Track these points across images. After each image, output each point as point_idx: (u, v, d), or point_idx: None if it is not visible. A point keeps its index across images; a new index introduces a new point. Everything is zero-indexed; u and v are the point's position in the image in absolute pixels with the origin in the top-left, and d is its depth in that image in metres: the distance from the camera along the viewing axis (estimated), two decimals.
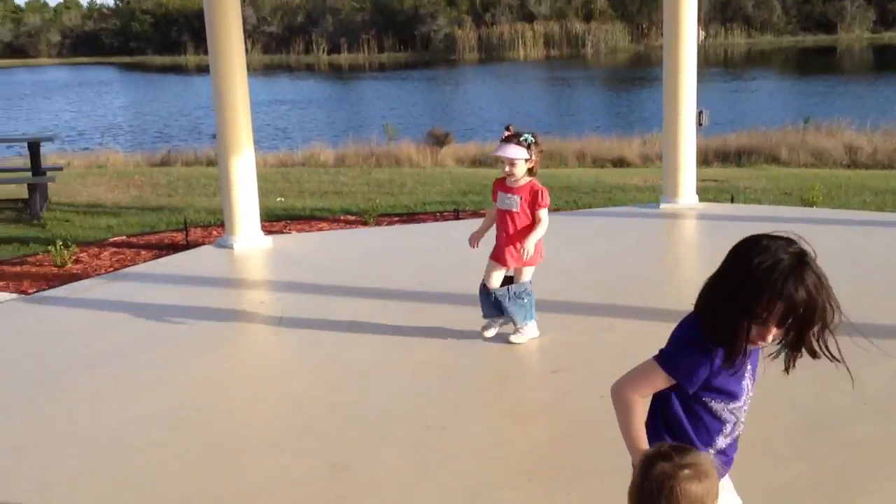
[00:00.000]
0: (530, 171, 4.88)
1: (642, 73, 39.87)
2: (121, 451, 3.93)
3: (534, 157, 4.84)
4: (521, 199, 4.86)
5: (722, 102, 25.12)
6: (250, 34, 56.69)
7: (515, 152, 4.77)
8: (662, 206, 8.84)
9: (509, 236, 4.91)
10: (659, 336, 5.14)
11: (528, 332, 5.08)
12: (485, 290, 5.03)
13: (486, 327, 5.10)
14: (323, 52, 59.99)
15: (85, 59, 65.28)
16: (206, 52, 8.14)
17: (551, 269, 6.73)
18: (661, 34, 9.33)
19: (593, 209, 9.48)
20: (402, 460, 3.77)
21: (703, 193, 9.57)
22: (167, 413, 4.34)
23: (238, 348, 5.47)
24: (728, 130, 18.42)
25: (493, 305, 5.02)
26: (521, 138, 4.79)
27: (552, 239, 7.90)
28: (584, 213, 9.12)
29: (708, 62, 41.97)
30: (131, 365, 4.99)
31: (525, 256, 4.87)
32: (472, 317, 5.67)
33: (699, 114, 9.02)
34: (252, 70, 7.90)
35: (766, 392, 2.77)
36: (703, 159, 16.10)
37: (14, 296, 6.65)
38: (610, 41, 57.61)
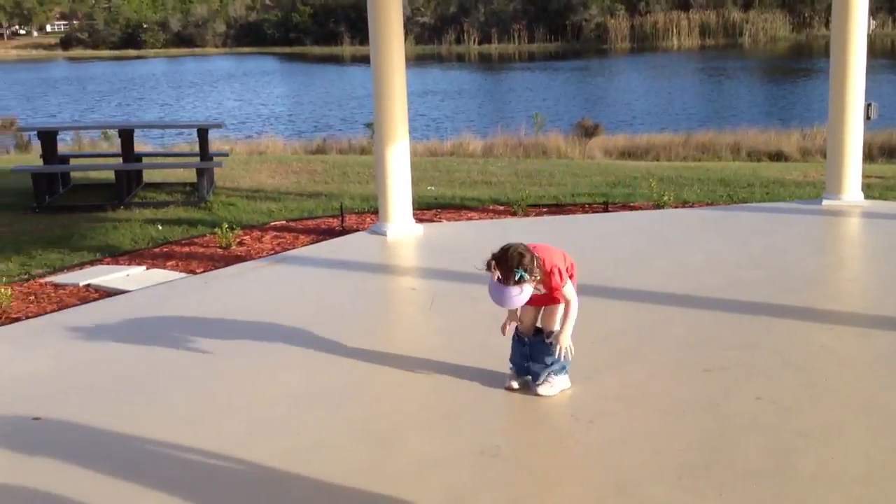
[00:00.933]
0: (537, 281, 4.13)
1: (803, 63, 38.13)
2: (278, 428, 4.14)
3: (534, 282, 4.08)
4: (538, 289, 4.21)
5: (890, 95, 23.72)
6: (405, 24, 57.70)
7: (516, 300, 4.07)
8: (825, 202, 8.47)
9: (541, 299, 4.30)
10: (818, 337, 5.01)
11: (560, 384, 4.38)
12: (518, 335, 4.45)
13: (511, 378, 4.47)
14: (474, 42, 60.36)
15: (248, 49, 68.15)
16: (361, 43, 8.43)
17: (706, 265, 6.60)
18: (825, 23, 8.93)
19: (751, 204, 9.18)
20: (551, 448, 3.81)
21: (869, 191, 9.11)
22: (325, 392, 4.53)
23: (391, 332, 5.64)
24: (895, 125, 17.39)
25: (524, 355, 4.41)
26: (515, 278, 4.00)
27: (708, 233, 7.78)
28: (741, 208, 8.84)
29: (874, 53, 39.66)
30: (293, 343, 5.22)
31: (562, 354, 4.24)
32: (620, 309, 5.63)
33: (867, 106, 8.58)
34: (406, 60, 8.07)
35: None
36: (868, 155, 15.27)
37: (183, 275, 7.07)
38: (769, 30, 55.33)
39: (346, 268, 6.96)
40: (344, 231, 8.43)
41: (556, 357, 4.25)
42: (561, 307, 4.27)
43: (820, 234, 7.70)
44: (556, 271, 4.14)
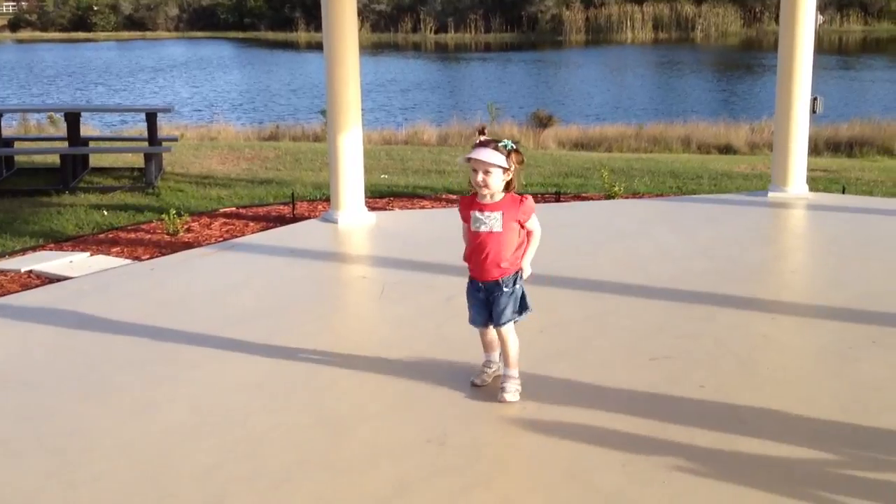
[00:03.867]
0: (507, 186, 3.98)
1: (753, 58, 38.68)
2: (227, 417, 4.10)
3: (513, 168, 3.93)
4: (501, 214, 3.96)
5: (835, 91, 24.19)
6: (360, 12, 57.29)
7: (491, 156, 3.86)
8: (771, 194, 8.61)
9: (494, 258, 4.03)
10: (760, 327, 5.09)
11: (514, 390, 4.19)
12: (473, 282, 4.17)
13: (479, 375, 4.35)
14: (430, 31, 60.18)
15: (201, 34, 67.16)
16: (317, 29, 8.32)
17: (655, 255, 6.67)
18: (775, 18, 9.05)
19: (699, 195, 9.30)
20: (500, 434, 3.82)
21: (813, 183, 9.28)
22: (275, 380, 4.49)
23: (341, 320, 5.62)
24: (840, 120, 17.75)
25: (482, 302, 4.16)
26: (500, 144, 3.91)
27: (658, 224, 7.86)
28: (690, 199, 8.96)
29: (822, 49, 40.36)
30: (241, 331, 5.17)
31: (523, 276, 4.13)
32: (570, 298, 5.67)
33: (813, 100, 8.73)
34: (360, 48, 8.01)
35: None
36: (814, 149, 15.55)
37: (128, 262, 6.96)
38: (721, 25, 56.00)
39: (297, 255, 6.91)
40: (295, 219, 8.37)
41: (518, 294, 4.11)
42: (513, 248, 4.04)
43: (765, 225, 7.83)
44: (529, 200, 4.03)
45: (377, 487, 3.39)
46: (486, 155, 3.86)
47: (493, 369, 4.37)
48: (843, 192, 9.23)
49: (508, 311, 4.10)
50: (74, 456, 3.70)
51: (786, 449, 3.66)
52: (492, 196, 3.96)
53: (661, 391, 4.25)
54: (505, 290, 4.06)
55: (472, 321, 4.25)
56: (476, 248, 4.04)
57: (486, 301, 4.12)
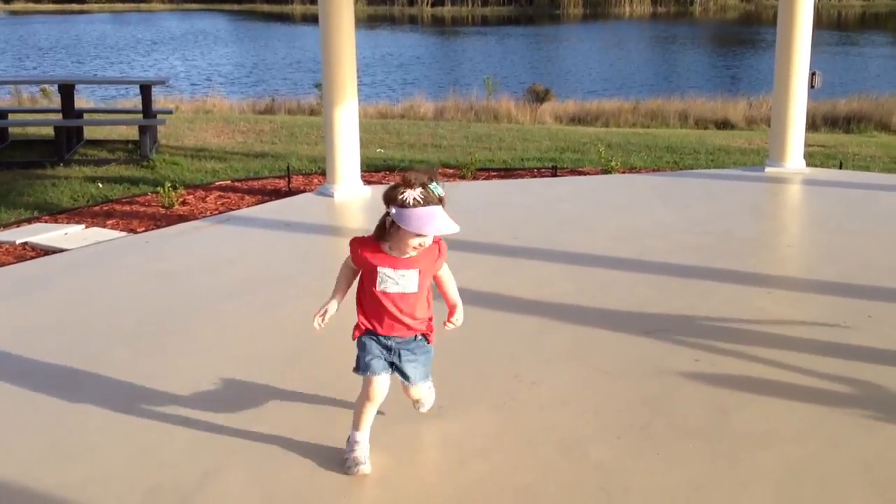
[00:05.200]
0: None
1: (752, 32, 38.49)
2: (225, 390, 4.10)
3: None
4: (418, 273, 3.16)
5: (833, 66, 24.15)
6: None
7: (452, 225, 3.02)
8: (768, 169, 8.60)
9: (405, 318, 3.22)
10: (757, 301, 5.09)
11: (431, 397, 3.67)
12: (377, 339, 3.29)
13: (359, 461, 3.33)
14: (426, 4, 59.75)
15: (195, 6, 66.64)
16: (311, 2, 8.23)
17: (651, 230, 6.66)
18: None
19: (696, 170, 9.28)
20: (491, 412, 3.82)
21: (811, 159, 9.26)
22: (272, 354, 4.49)
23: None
24: (838, 95, 17.71)
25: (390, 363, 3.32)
26: (432, 189, 3.00)
27: (654, 199, 7.85)
28: (687, 174, 8.94)
29: (820, 24, 40.17)
30: (236, 305, 5.16)
31: (455, 324, 3.38)
32: (568, 273, 5.66)
33: (812, 75, 8.70)
34: (356, 21, 7.95)
35: None
36: (811, 124, 15.52)
37: (123, 234, 6.94)
38: None
39: (292, 229, 6.89)
40: (290, 192, 8.34)
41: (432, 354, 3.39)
42: (426, 303, 3.28)
43: (762, 200, 7.82)
44: (445, 246, 3.27)
45: (377, 465, 3.40)
46: (452, 226, 3.00)
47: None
48: (840, 168, 9.22)
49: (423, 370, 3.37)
50: (71, 428, 3.70)
51: (781, 422, 3.67)
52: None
53: (656, 364, 4.25)
54: (420, 348, 3.31)
55: (371, 368, 3.27)
56: (381, 307, 3.19)
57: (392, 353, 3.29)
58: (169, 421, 3.75)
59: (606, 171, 9.25)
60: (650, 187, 8.23)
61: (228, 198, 8.19)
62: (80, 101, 13.92)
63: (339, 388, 4.03)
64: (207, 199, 8.17)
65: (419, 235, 3.02)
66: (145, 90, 10.62)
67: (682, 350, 4.41)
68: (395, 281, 3.15)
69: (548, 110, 17.57)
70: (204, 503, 3.13)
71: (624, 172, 9.23)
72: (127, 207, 7.84)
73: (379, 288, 3.16)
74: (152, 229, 7.05)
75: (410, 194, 2.94)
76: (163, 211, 7.69)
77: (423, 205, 2.96)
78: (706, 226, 6.78)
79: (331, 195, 7.84)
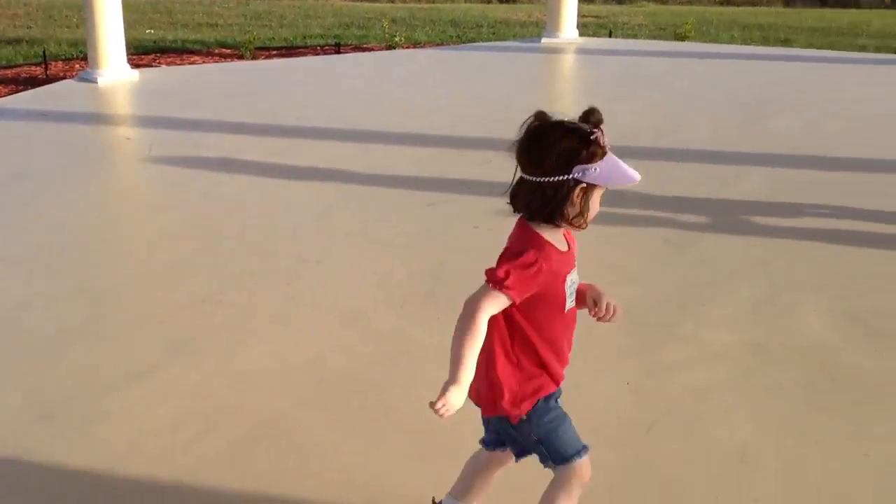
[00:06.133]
0: None
1: None
2: None
3: None
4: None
5: None
6: None
7: None
8: (544, 40, 8.79)
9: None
10: None
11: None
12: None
13: None
14: None
15: None
16: None
17: (436, 103, 6.67)
18: None
19: (478, 44, 9.35)
20: (276, 291, 3.76)
21: (584, 29, 9.54)
22: (34, 252, 4.18)
23: (105, 185, 5.27)
24: None
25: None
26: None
27: (437, 73, 7.84)
28: (469, 48, 8.99)
29: None
30: None
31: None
32: (353, 151, 5.60)
33: None
34: None
35: None
36: None
37: None
38: None
39: (54, 119, 6.37)
40: (49, 80, 7.68)
41: None
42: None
43: (537, 70, 8.01)
44: None
45: (149, 349, 3.27)
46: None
47: None
48: (610, 36, 9.57)
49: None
50: None
51: None
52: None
53: (438, 234, 4.31)
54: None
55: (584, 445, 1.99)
56: (563, 339, 1.98)
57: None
58: None
59: (391, 47, 9.15)
60: (434, 62, 8.22)
61: None
62: None
63: (108, 278, 3.83)
64: None
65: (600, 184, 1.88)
66: None
67: (461, 219, 4.50)
68: (572, 285, 1.96)
69: None
70: None
71: (408, 48, 9.15)
72: None
73: (568, 305, 1.95)
74: None
75: (598, 134, 1.89)
76: None
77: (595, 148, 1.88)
78: (485, 97, 6.87)
79: (94, 80, 7.28)
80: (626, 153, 5.63)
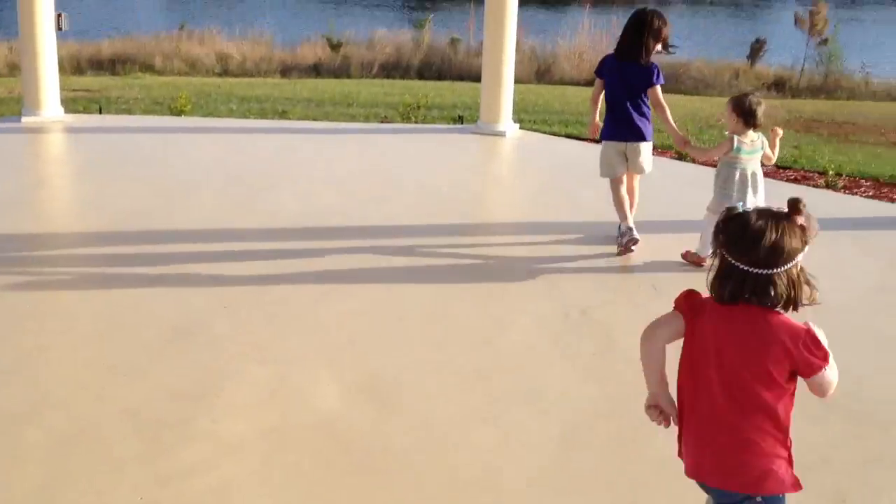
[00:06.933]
0: None
1: None
2: None
3: None
4: None
5: (92, 6, 23.72)
6: None
7: None
8: (24, 119, 8.05)
9: None
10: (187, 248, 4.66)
11: None
12: None
13: None
14: None
15: None
16: None
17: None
18: None
19: None
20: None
21: (73, 105, 8.98)
22: None
23: None
24: (101, 36, 17.53)
25: None
26: None
27: None
28: None
29: None
30: None
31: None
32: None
33: (58, 17, 8.30)
34: None
35: None
36: (76, 68, 15.19)
37: None
38: None
39: None
40: None
41: None
42: None
43: (19, 153, 7.32)
44: None
45: None
46: None
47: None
48: (101, 113, 9.10)
49: None
50: None
51: None
52: None
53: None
54: None
55: None
56: None
57: None
58: None
59: None
60: None
61: None
62: None
63: None
64: None
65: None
66: None
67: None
68: None
69: None
70: None
71: None
72: None
73: None
74: None
75: None
76: None
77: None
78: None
79: None
80: (124, 239, 5.29)
